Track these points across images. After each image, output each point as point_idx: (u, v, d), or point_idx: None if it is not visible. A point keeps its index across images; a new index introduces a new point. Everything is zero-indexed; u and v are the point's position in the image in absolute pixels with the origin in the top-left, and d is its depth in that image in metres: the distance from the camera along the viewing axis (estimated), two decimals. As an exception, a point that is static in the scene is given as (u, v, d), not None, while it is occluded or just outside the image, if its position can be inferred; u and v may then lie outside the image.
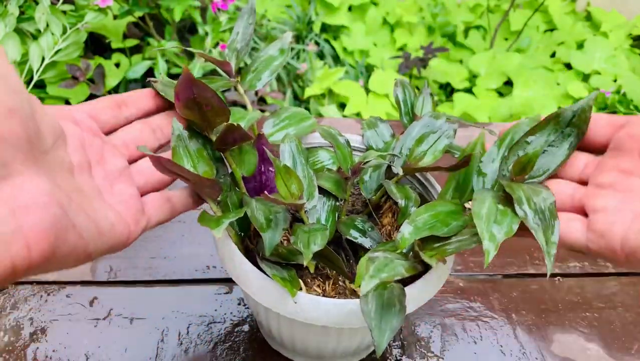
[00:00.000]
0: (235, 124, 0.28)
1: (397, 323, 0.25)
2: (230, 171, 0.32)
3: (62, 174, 0.22)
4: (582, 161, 0.29)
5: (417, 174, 0.38)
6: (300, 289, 0.31)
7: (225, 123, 0.28)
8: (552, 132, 0.30)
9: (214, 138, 0.31)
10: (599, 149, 0.29)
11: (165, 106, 0.31)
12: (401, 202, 0.32)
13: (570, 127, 0.29)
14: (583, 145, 0.30)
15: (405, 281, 0.32)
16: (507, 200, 0.28)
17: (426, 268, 0.29)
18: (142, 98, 0.30)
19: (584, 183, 0.29)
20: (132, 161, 0.29)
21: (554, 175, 0.30)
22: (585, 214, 0.28)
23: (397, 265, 0.26)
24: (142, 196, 0.28)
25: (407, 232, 0.27)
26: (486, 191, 0.29)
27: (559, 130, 0.29)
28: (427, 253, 0.27)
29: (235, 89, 0.36)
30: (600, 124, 0.29)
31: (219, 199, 0.31)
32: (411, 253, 0.28)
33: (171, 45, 1.03)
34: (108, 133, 0.28)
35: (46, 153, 0.21)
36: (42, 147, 0.20)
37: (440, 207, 0.30)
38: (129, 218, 0.25)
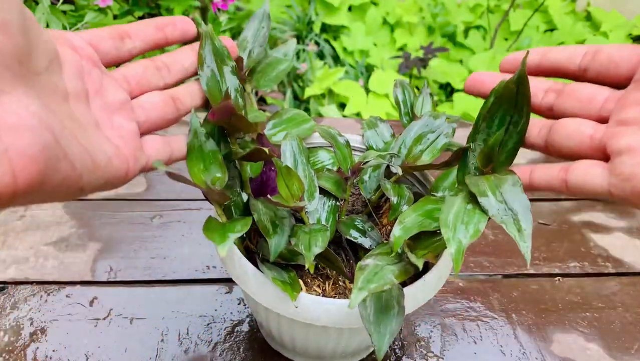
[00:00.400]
0: (266, 150, 0.27)
1: (397, 325, 0.25)
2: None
3: (55, 99, 0.20)
4: (602, 95, 0.26)
5: (416, 174, 0.38)
6: (300, 289, 0.31)
7: (255, 147, 0.27)
8: (507, 111, 0.28)
9: (233, 141, 0.30)
10: (622, 83, 0.25)
11: (174, 39, 0.28)
12: (393, 199, 0.32)
13: (520, 96, 0.27)
14: (604, 79, 0.26)
15: (405, 281, 0.32)
16: (474, 197, 0.27)
17: (426, 268, 0.29)
18: (147, 29, 0.27)
19: (604, 120, 0.26)
20: (132, 97, 0.27)
21: (572, 114, 0.26)
22: (607, 157, 0.24)
23: (386, 273, 0.26)
24: (141, 135, 0.26)
25: (397, 232, 0.27)
26: (460, 191, 0.29)
27: (512, 105, 0.27)
28: (418, 253, 0.27)
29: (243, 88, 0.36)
30: (622, 55, 0.25)
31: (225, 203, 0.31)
32: (405, 254, 0.28)
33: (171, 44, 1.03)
34: (108, 66, 0.26)
35: (38, 75, 0.19)
36: (34, 68, 0.19)
37: (428, 205, 0.30)
38: (128, 153, 0.24)
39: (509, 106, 0.27)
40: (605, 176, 0.24)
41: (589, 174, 0.24)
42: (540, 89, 0.28)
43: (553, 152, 0.27)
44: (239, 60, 0.34)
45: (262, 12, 0.36)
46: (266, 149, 0.27)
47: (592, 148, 0.25)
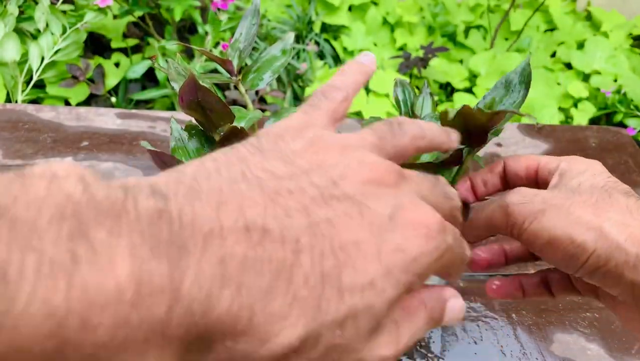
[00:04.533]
0: (238, 126, 0.27)
1: None
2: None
3: None
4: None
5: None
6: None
7: (229, 125, 0.28)
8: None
9: (217, 138, 0.31)
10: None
11: None
12: None
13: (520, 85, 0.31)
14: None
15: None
16: None
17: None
18: None
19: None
20: None
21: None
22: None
23: None
24: None
25: None
26: None
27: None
28: None
29: (236, 88, 0.36)
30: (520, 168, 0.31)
31: None
32: None
33: (172, 44, 1.03)
34: None
35: None
36: None
37: None
38: None
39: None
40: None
41: (564, 278, 0.29)
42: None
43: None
44: (227, 62, 0.34)
45: (252, 9, 0.36)
46: (239, 125, 0.27)
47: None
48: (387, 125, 0.22)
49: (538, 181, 0.30)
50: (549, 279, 0.30)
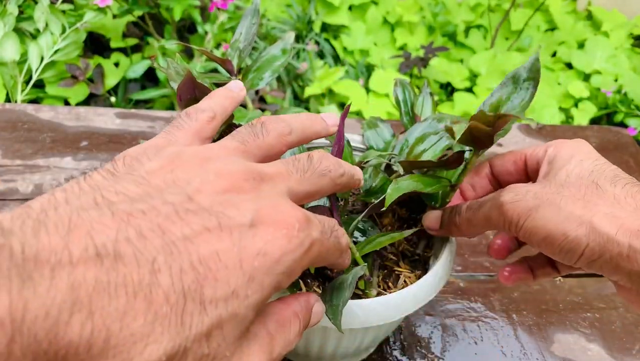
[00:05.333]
0: (235, 123, 0.27)
1: (349, 293, 0.25)
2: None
3: None
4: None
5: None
6: (300, 290, 0.31)
7: (227, 123, 0.28)
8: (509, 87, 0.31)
9: (215, 136, 0.30)
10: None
11: None
12: (373, 183, 0.33)
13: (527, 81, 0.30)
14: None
15: (406, 282, 0.32)
16: None
17: (427, 269, 0.29)
18: None
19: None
20: None
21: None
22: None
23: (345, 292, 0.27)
24: None
25: (390, 191, 0.28)
26: None
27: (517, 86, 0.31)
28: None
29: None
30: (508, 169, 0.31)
31: None
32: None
33: (171, 43, 1.03)
34: None
35: None
36: None
37: (425, 177, 0.31)
38: None
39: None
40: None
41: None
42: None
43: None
44: (227, 62, 0.34)
45: (252, 9, 0.36)
46: (237, 122, 0.27)
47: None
48: (249, 127, 0.23)
49: (528, 173, 0.30)
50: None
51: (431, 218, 0.32)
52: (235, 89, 0.27)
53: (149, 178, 0.18)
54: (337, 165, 0.23)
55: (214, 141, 0.26)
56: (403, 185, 0.29)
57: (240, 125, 0.28)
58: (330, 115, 0.27)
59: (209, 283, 0.16)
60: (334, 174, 0.23)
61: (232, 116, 0.29)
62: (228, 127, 0.28)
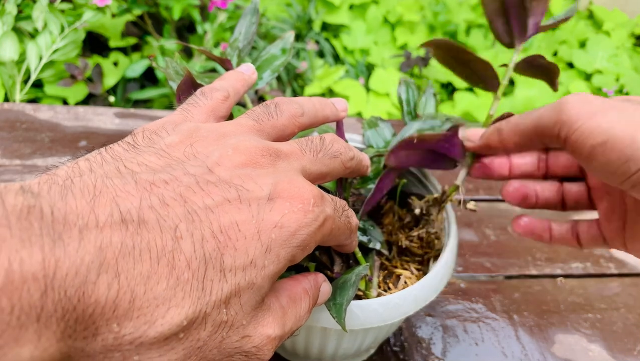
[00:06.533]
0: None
1: (353, 291, 0.25)
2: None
3: None
4: (574, 160, 0.30)
5: (417, 173, 0.37)
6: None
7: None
8: None
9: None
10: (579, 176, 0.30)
11: None
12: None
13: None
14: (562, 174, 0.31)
15: (406, 282, 0.32)
16: None
17: (427, 270, 0.29)
18: None
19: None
20: None
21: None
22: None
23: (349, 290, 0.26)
24: None
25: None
26: None
27: None
28: None
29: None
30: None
31: None
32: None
33: (171, 43, 1.03)
34: None
35: None
36: None
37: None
38: None
39: None
40: (599, 232, 0.28)
41: (590, 233, 0.29)
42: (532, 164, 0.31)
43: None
44: (227, 61, 0.34)
45: (252, 7, 0.35)
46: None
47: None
48: (263, 107, 0.23)
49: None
50: (579, 230, 0.30)
51: (472, 130, 0.30)
52: (247, 71, 0.27)
53: (169, 151, 0.19)
54: (348, 149, 0.24)
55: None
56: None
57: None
58: (339, 100, 0.27)
59: (229, 252, 0.17)
60: (345, 157, 0.23)
61: (231, 117, 0.29)
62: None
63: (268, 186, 0.19)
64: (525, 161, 0.30)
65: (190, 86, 0.27)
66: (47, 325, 0.13)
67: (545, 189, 0.30)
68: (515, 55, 0.31)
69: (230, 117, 0.28)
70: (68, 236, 0.14)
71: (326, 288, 0.23)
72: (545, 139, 0.25)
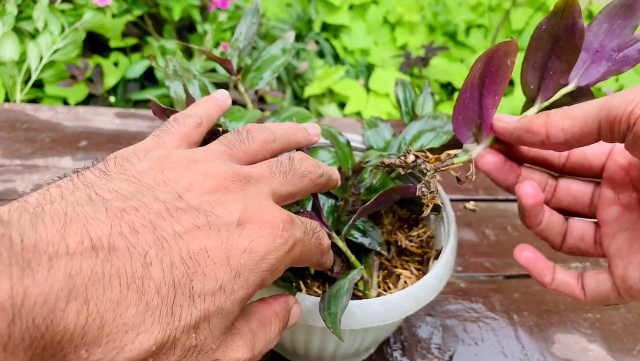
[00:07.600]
0: (219, 129, 0.27)
1: (347, 300, 0.25)
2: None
3: None
4: (588, 191, 0.28)
5: (417, 173, 0.37)
6: (300, 290, 0.31)
7: (212, 129, 0.28)
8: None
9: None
10: (598, 175, 0.28)
11: None
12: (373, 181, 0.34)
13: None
14: (581, 172, 0.28)
15: (406, 282, 0.32)
16: None
17: (427, 270, 0.29)
18: None
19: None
20: None
21: (567, 208, 0.29)
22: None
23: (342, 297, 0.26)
24: None
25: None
26: None
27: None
28: None
29: (236, 87, 0.35)
30: (593, 151, 0.27)
31: None
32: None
33: (171, 43, 1.03)
34: None
35: None
36: None
37: None
38: None
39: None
40: (609, 280, 0.26)
41: (599, 281, 0.27)
42: (539, 187, 0.29)
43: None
44: (227, 62, 0.34)
45: (252, 8, 0.35)
46: (220, 129, 0.27)
47: (597, 252, 0.28)
48: (235, 134, 0.24)
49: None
50: (584, 280, 0.28)
51: (505, 115, 0.27)
52: (222, 98, 0.28)
53: (140, 177, 0.19)
54: (316, 166, 0.24)
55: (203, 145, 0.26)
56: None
57: (224, 130, 0.27)
58: (312, 125, 0.28)
59: (198, 278, 0.17)
60: (314, 175, 0.24)
61: (216, 125, 0.29)
62: (211, 135, 0.28)
63: (237, 211, 0.19)
64: (534, 177, 0.29)
65: (161, 113, 0.27)
66: (14, 353, 0.14)
67: (548, 216, 0.28)
68: (533, 110, 0.28)
69: (215, 134, 0.28)
70: (37, 264, 0.14)
71: (297, 310, 0.24)
72: (606, 123, 0.22)
